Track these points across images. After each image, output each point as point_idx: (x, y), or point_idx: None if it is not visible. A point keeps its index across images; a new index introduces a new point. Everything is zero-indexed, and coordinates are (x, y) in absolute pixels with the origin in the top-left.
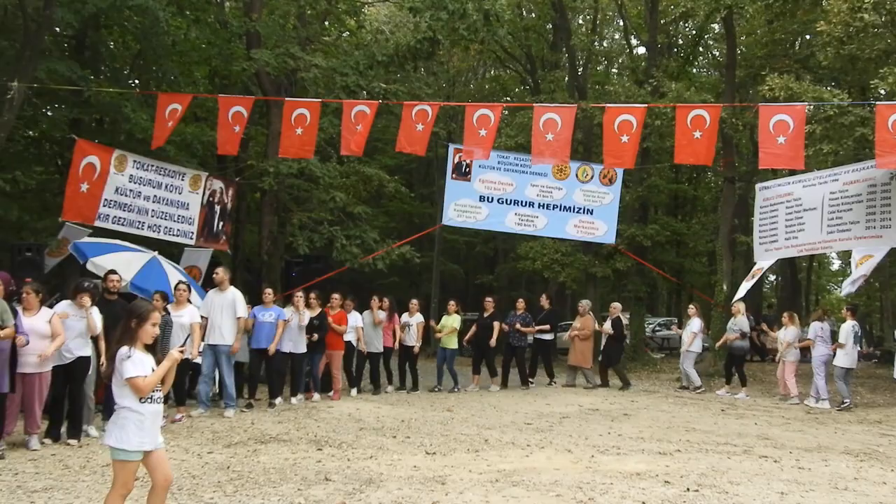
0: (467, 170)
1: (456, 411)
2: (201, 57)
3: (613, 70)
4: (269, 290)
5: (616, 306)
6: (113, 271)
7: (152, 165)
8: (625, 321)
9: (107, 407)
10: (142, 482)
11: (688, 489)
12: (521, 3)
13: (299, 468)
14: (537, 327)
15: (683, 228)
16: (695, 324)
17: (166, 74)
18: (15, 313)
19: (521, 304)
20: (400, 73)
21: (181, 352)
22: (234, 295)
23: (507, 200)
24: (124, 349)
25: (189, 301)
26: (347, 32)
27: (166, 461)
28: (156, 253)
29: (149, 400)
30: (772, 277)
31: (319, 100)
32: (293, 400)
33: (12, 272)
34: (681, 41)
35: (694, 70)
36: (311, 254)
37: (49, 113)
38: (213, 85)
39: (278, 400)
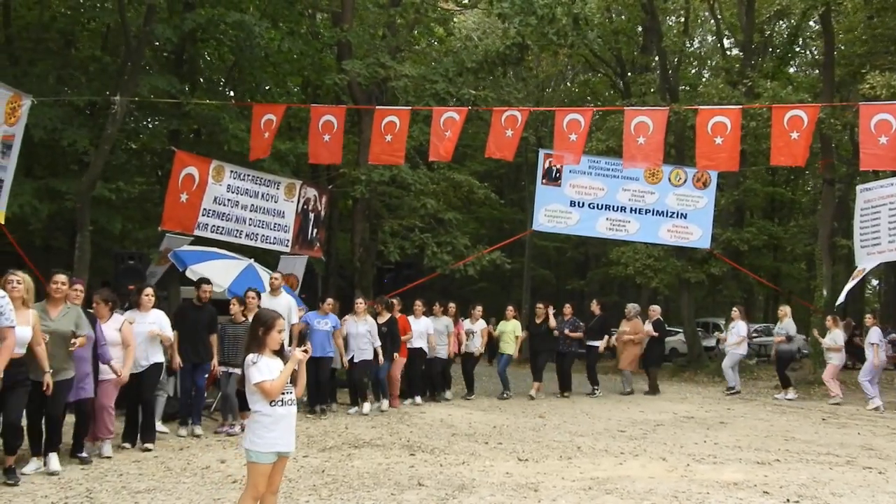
0: (558, 175)
1: (548, 418)
2: (294, 68)
3: (705, 72)
4: (329, 300)
5: (655, 308)
6: (206, 280)
7: (248, 175)
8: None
9: (197, 410)
10: (239, 486)
11: (787, 500)
12: (610, 7)
13: (392, 473)
14: (579, 334)
15: (781, 232)
16: (741, 327)
17: (260, 85)
18: (94, 321)
19: (568, 309)
20: (489, 79)
21: (305, 351)
22: (289, 301)
23: (598, 205)
24: (251, 356)
25: (259, 307)
26: (436, 41)
27: (282, 471)
28: (252, 260)
29: (279, 403)
30: (874, 282)
31: (409, 107)
32: (365, 407)
33: (116, 280)
34: (776, 40)
35: (791, 70)
36: (403, 260)
37: (149, 125)
38: (305, 95)
39: (353, 409)
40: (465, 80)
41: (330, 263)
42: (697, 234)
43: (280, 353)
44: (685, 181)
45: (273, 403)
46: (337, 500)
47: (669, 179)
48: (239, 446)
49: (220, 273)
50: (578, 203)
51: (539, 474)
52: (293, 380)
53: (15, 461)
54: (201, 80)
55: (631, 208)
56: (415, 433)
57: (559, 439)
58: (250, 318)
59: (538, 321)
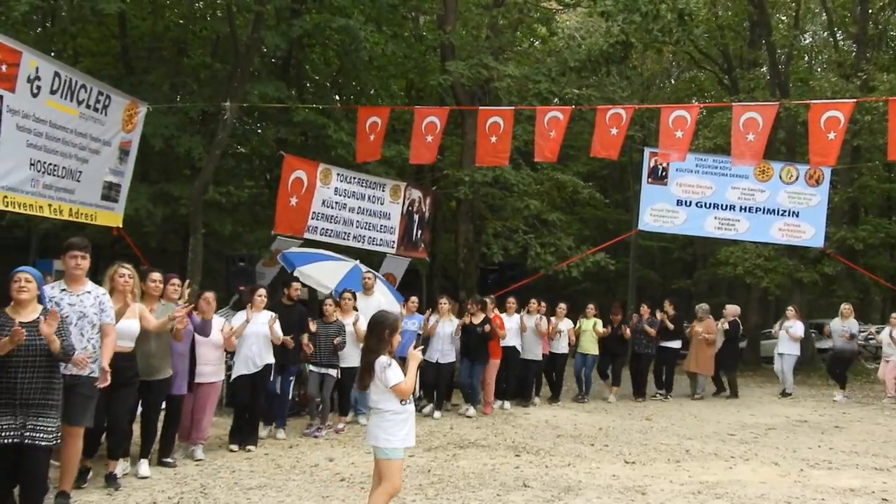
0: (664, 174)
1: (655, 420)
2: (398, 70)
3: (816, 66)
4: (413, 298)
5: (731, 308)
6: (295, 279)
7: (355, 178)
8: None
9: (278, 414)
10: (340, 483)
11: None
12: (715, 2)
13: (498, 474)
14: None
15: None
16: (798, 327)
17: (365, 89)
18: (189, 314)
19: (645, 309)
20: (592, 78)
21: (422, 350)
22: (380, 301)
23: (706, 204)
24: (384, 358)
25: (355, 309)
26: (539, 41)
27: None
28: (357, 261)
29: (408, 400)
30: None
31: (513, 107)
32: (436, 414)
33: (227, 281)
34: (892, 31)
35: None
36: (507, 261)
37: (258, 130)
38: (409, 97)
39: (437, 413)
40: (569, 79)
41: (434, 265)
42: (810, 232)
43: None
44: (797, 178)
45: (403, 402)
46: (443, 499)
47: (780, 177)
48: (346, 445)
49: (328, 274)
50: (685, 202)
51: (646, 477)
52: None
53: (116, 467)
54: (308, 84)
55: (740, 207)
56: (520, 434)
57: (667, 442)
58: (346, 320)
59: (614, 325)
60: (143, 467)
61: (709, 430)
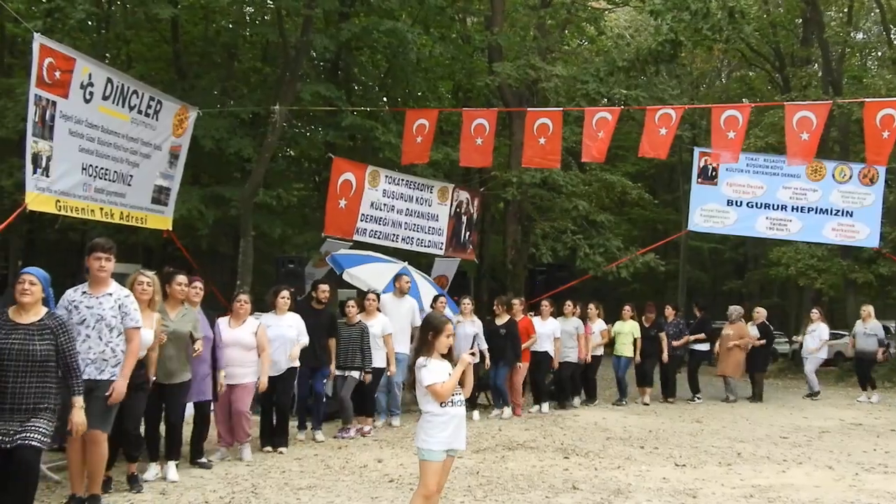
0: (714, 174)
1: (706, 423)
2: (446, 72)
3: (870, 63)
4: (441, 299)
5: (760, 311)
6: (323, 281)
7: (402, 179)
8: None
9: (317, 415)
10: (396, 483)
11: None
12: None
13: (547, 476)
14: (692, 337)
15: None
16: (823, 330)
17: (413, 91)
18: (212, 322)
19: (670, 311)
20: (641, 77)
21: (472, 354)
22: (412, 303)
23: (757, 204)
24: (421, 359)
25: (379, 310)
26: (587, 40)
27: (448, 471)
28: (405, 263)
29: (450, 403)
30: None
31: (561, 108)
32: (475, 415)
33: (276, 283)
34: None
35: None
36: (555, 262)
37: (306, 133)
38: (456, 99)
39: (475, 415)
40: (617, 79)
41: (482, 266)
42: (864, 232)
43: (449, 356)
44: (850, 177)
45: (444, 404)
46: (491, 501)
47: (833, 176)
48: (395, 446)
49: (376, 276)
50: (736, 202)
51: (697, 480)
52: (461, 381)
53: (138, 469)
54: (356, 87)
55: (792, 206)
56: (568, 436)
57: (718, 445)
58: (369, 321)
59: (647, 325)
60: (171, 471)
61: (760, 432)
